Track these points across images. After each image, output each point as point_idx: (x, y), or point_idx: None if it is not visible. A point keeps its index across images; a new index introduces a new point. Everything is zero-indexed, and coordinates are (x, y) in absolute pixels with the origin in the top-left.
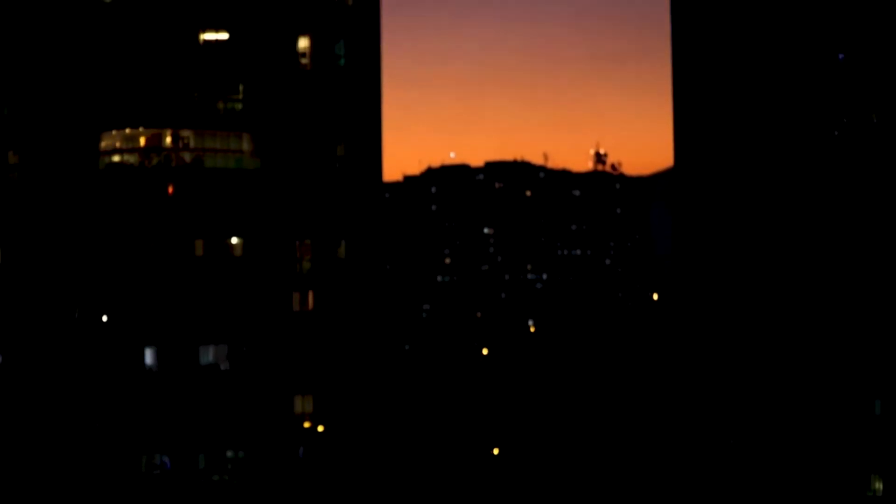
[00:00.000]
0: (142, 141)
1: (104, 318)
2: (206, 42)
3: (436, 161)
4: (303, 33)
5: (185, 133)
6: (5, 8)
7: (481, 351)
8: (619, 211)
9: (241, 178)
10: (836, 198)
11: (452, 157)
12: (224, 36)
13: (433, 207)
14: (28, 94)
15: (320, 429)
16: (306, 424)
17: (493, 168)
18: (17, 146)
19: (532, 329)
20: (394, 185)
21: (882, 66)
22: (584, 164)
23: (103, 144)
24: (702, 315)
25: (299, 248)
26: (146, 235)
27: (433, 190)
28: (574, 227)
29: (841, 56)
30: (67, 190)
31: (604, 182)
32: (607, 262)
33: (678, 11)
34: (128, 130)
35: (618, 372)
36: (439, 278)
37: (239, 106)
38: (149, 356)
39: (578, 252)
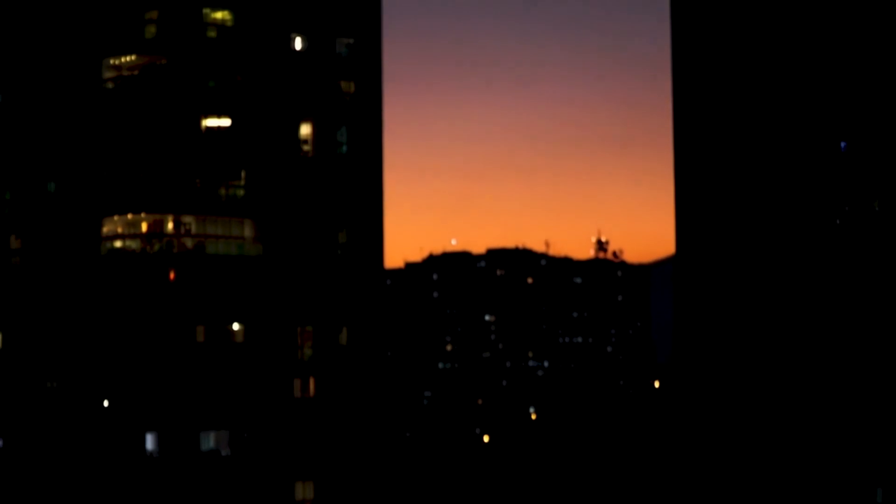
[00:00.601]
0: (143, 226)
1: (105, 403)
2: (209, 128)
3: (437, 248)
4: (305, 120)
5: (187, 219)
6: (11, 93)
7: (483, 438)
8: (620, 298)
9: (243, 264)
10: (837, 289)
11: (454, 244)
12: (226, 122)
13: (435, 294)
14: (31, 178)
15: None
16: None
17: (495, 255)
18: (20, 230)
19: (533, 416)
20: (395, 272)
21: (883, 154)
22: (585, 251)
23: (105, 230)
24: (703, 403)
25: (301, 335)
26: (148, 321)
27: (435, 277)
28: (575, 314)
29: (843, 145)
30: (69, 275)
31: (605, 270)
32: (608, 349)
33: (680, 100)
34: (130, 216)
35: (619, 460)
36: (441, 365)
37: (241, 192)
38: (150, 441)
39: (580, 339)
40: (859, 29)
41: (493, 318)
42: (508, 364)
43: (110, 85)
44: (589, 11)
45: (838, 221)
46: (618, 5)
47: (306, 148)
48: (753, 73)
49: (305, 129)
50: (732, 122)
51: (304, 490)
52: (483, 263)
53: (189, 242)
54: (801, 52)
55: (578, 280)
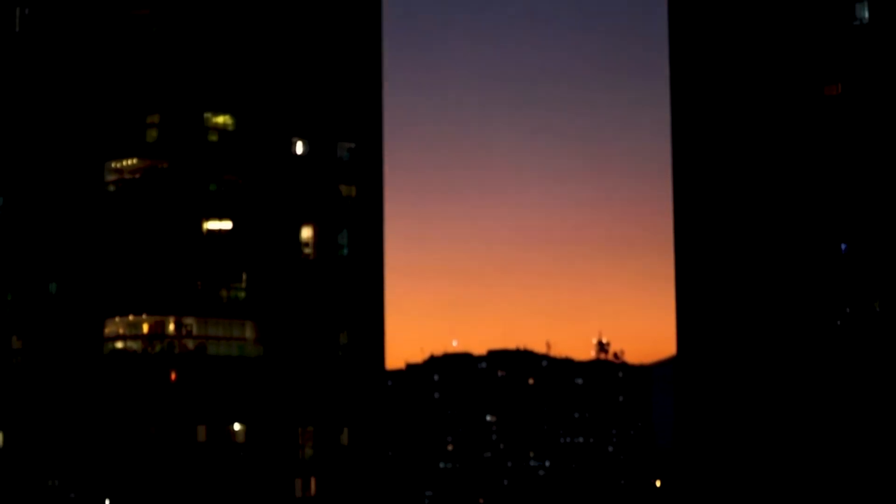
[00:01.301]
0: (145, 328)
1: (107, 503)
2: (210, 231)
3: (438, 349)
4: (306, 223)
5: (189, 320)
6: (14, 194)
7: None
8: (621, 399)
9: (244, 365)
10: (839, 392)
11: (455, 346)
12: (227, 225)
13: (436, 395)
14: (32, 279)
15: None
16: None
17: (496, 357)
18: (21, 331)
19: None
20: (397, 373)
21: (884, 255)
22: (586, 352)
23: (107, 330)
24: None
25: (302, 435)
26: (149, 421)
27: (436, 378)
28: (577, 414)
29: (844, 247)
30: (71, 375)
31: (606, 371)
32: (610, 449)
33: (681, 203)
34: (131, 317)
35: None
36: (442, 464)
37: (242, 294)
38: None
39: (581, 439)
40: (860, 143)
41: (494, 419)
42: (510, 464)
43: (112, 188)
44: (589, 112)
45: (839, 322)
46: (618, 106)
47: (307, 251)
48: (752, 177)
49: (307, 232)
50: (732, 225)
51: None
52: (484, 364)
53: (190, 343)
54: (800, 156)
55: (580, 381)
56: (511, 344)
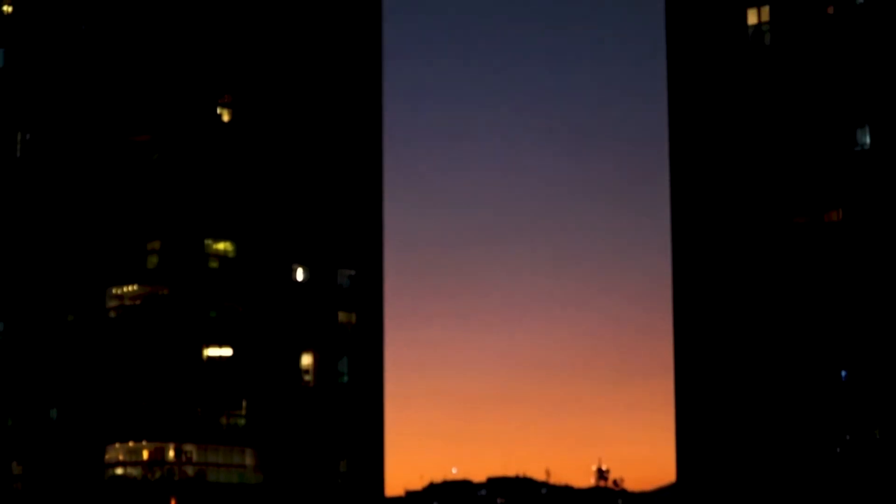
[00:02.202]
0: (145, 454)
1: None
2: (210, 357)
3: (438, 476)
4: (306, 350)
5: (189, 447)
6: (14, 321)
7: None
8: None
9: (244, 492)
10: None
11: (454, 473)
12: (227, 352)
13: None
14: (33, 405)
15: None
16: None
17: (496, 484)
18: (21, 456)
19: None
20: (396, 500)
21: (884, 382)
22: (586, 479)
23: (107, 457)
24: None
25: None
26: None
27: None
28: None
29: (844, 374)
30: (71, 501)
31: (606, 498)
32: None
33: (681, 329)
34: (131, 443)
35: None
36: None
37: (242, 421)
38: None
39: None
40: (861, 269)
41: None
42: None
43: (113, 314)
44: (590, 239)
45: (839, 450)
46: (619, 234)
47: (307, 378)
48: (751, 305)
49: (306, 359)
50: (732, 352)
51: None
52: (484, 492)
53: (190, 470)
54: (800, 282)
55: None
56: (511, 471)
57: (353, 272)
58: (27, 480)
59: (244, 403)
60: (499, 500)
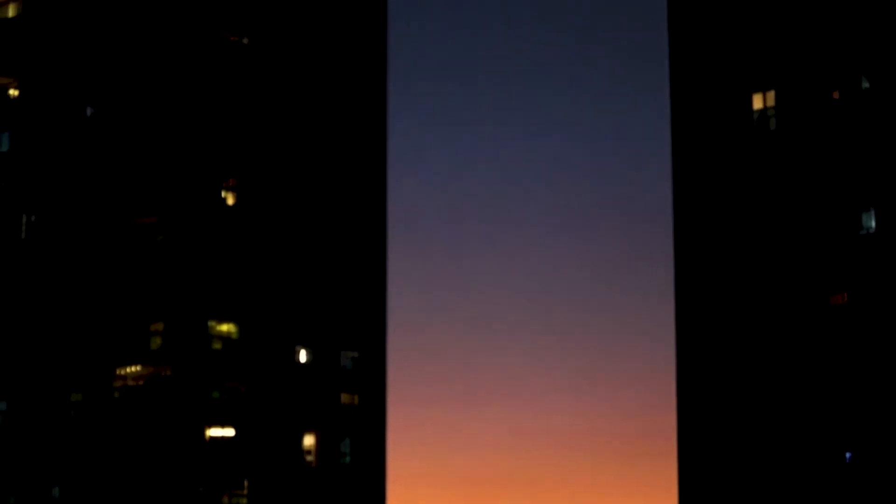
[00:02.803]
0: None
1: None
2: (212, 438)
3: None
4: (308, 431)
5: None
6: (16, 400)
7: None
8: None
9: None
10: None
11: None
12: (230, 432)
13: None
14: (34, 484)
15: None
16: None
17: None
18: None
19: None
20: None
21: (886, 464)
22: None
23: None
24: None
25: None
26: None
27: None
28: None
29: (848, 456)
30: None
31: None
32: None
33: (684, 420)
34: None
35: None
36: None
37: (244, 501)
38: None
39: None
40: (865, 353)
41: None
42: None
43: (116, 394)
44: (592, 320)
45: None
46: (621, 309)
47: (309, 458)
48: (753, 390)
49: (309, 440)
50: (737, 438)
51: None
52: None
53: None
54: (804, 367)
55: None
56: None
57: (355, 354)
58: None
59: (246, 483)
60: None
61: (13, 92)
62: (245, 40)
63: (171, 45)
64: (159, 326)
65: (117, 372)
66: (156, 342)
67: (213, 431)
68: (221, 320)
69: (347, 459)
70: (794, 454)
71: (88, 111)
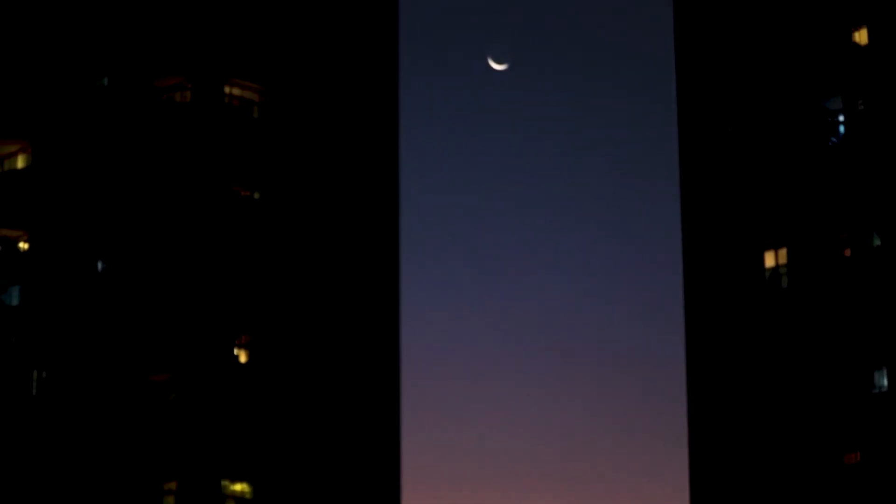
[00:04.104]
0: None
1: None
2: None
3: None
4: None
5: None
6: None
7: None
8: None
9: None
10: None
11: None
12: None
13: None
14: None
15: None
16: None
17: None
18: None
19: None
20: None
21: None
22: None
23: None
24: None
25: None
26: None
27: None
28: None
29: None
30: None
31: None
32: None
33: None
34: None
35: None
36: None
37: None
38: None
39: None
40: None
41: None
42: None
43: None
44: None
45: None
46: (632, 450)
47: None
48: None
49: None
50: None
51: None
52: None
53: None
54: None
55: None
56: None
57: None
58: None
59: None
60: None
61: (23, 245)
62: (256, 195)
63: (181, 199)
64: (172, 486)
65: None
66: (169, 502)
67: None
68: (235, 480)
69: None
70: None
71: (100, 266)
